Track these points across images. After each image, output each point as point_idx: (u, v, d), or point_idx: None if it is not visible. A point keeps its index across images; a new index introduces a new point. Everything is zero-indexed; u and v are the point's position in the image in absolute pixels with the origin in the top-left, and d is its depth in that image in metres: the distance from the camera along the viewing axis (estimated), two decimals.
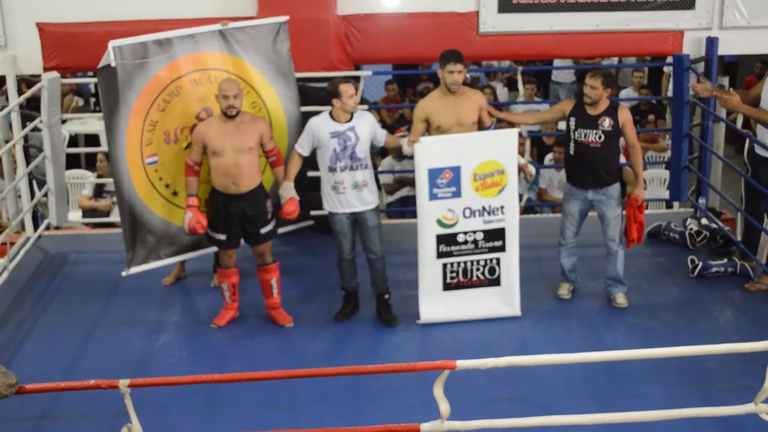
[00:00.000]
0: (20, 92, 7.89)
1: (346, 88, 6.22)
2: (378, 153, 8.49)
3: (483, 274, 6.46)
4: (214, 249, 6.73)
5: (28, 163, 8.10)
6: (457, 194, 6.26)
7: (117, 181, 6.42)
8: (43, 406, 5.54)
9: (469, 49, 8.05)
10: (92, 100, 13.03)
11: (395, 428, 4.31)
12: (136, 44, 6.31)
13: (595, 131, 6.54)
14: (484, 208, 6.33)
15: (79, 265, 7.56)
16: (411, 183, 9.46)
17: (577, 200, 6.73)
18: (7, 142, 7.93)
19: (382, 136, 6.42)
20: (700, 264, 7.20)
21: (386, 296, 6.57)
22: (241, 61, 6.67)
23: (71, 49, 7.79)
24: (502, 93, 12.73)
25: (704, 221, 7.89)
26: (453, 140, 6.28)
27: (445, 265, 6.42)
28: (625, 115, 6.57)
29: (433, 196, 6.25)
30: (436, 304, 6.47)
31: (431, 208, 6.29)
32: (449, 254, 6.40)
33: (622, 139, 6.78)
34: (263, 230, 6.40)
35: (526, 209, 9.18)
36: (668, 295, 7.00)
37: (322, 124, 6.31)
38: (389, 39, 8.04)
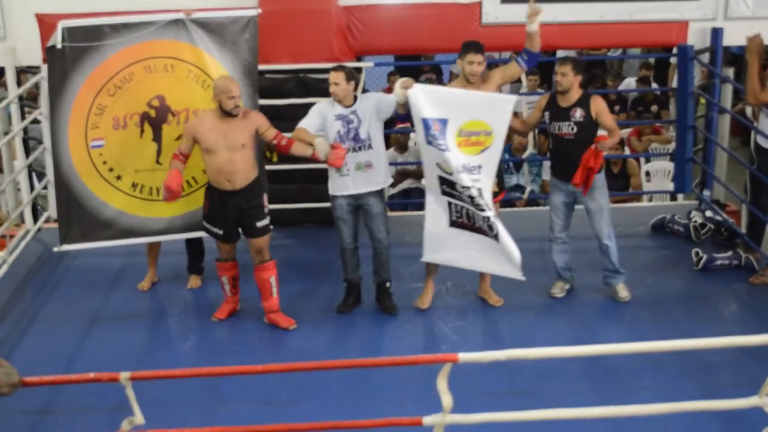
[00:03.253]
0: (19, 83, 7.84)
1: (329, 76, 6.24)
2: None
3: (484, 226, 6.24)
4: (154, 239, 6.73)
5: (27, 155, 8.07)
6: (446, 149, 6.07)
7: (55, 159, 6.40)
8: (44, 400, 5.51)
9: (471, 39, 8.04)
10: None
11: (398, 421, 4.28)
12: (91, 27, 6.26)
13: (567, 123, 6.49)
14: (464, 166, 6.09)
15: (79, 258, 7.52)
16: (413, 175, 9.44)
17: (560, 192, 6.68)
18: (6, 134, 7.89)
19: (389, 105, 6.28)
20: (705, 257, 7.16)
21: (387, 284, 6.54)
22: (201, 52, 6.54)
23: None
24: (505, 84, 12.66)
25: (709, 213, 7.85)
26: (445, 93, 6.17)
27: (450, 203, 6.29)
28: (597, 105, 6.49)
29: (429, 142, 6.11)
30: (440, 243, 6.37)
31: (430, 152, 6.15)
32: (452, 195, 6.24)
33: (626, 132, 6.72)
34: (259, 224, 6.33)
35: (529, 202, 9.14)
36: (672, 287, 6.96)
37: (328, 108, 6.30)
38: (391, 30, 7.99)
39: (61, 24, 6.19)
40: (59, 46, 6.15)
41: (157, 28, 6.40)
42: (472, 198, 6.09)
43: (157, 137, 6.54)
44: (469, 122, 6.05)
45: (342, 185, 6.32)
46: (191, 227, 6.73)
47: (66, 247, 6.47)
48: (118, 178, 6.52)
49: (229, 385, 5.60)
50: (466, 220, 6.28)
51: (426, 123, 6.06)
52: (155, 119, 6.52)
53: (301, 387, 5.59)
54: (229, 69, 6.60)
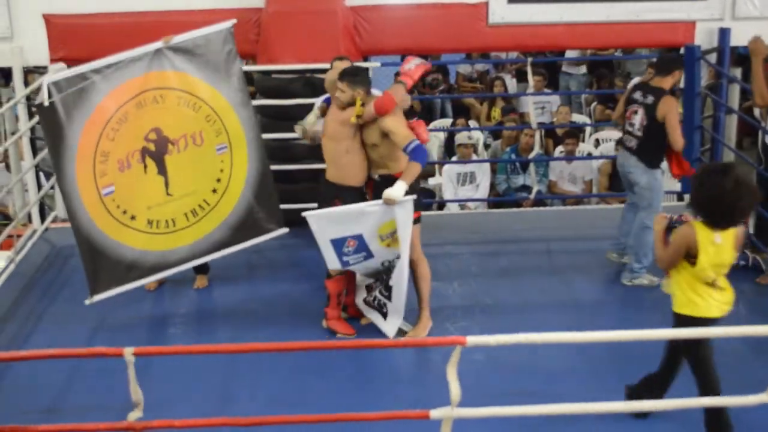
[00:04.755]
0: (27, 83, 7.85)
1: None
2: None
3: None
4: (177, 270, 6.68)
5: (34, 155, 8.08)
6: (369, 256, 6.06)
7: (71, 213, 6.32)
8: (51, 399, 5.53)
9: (478, 40, 8.06)
10: None
11: (405, 414, 4.28)
12: (73, 76, 6.22)
13: None
14: (387, 260, 6.10)
15: None
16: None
17: None
18: (13, 134, 7.91)
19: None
20: None
21: None
22: (186, 75, 6.51)
23: (78, 40, 7.75)
24: (511, 84, 12.68)
25: None
26: (345, 210, 6.01)
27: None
28: None
29: (345, 263, 6.07)
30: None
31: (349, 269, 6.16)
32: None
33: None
34: None
35: (536, 202, 9.13)
36: None
37: None
38: (398, 30, 8.00)
39: (46, 81, 6.17)
40: (47, 103, 6.14)
41: (138, 62, 6.35)
42: (387, 272, 6.14)
43: (162, 170, 6.52)
44: (382, 226, 5.96)
45: None
46: (214, 248, 6.74)
47: (97, 298, 6.42)
48: (133, 218, 6.47)
49: (236, 386, 5.61)
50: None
51: (336, 244, 5.99)
52: (155, 152, 6.49)
53: (307, 387, 5.60)
54: (216, 85, 6.59)
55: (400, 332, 6.20)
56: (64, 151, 6.20)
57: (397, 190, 5.80)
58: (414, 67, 6.24)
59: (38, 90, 7.87)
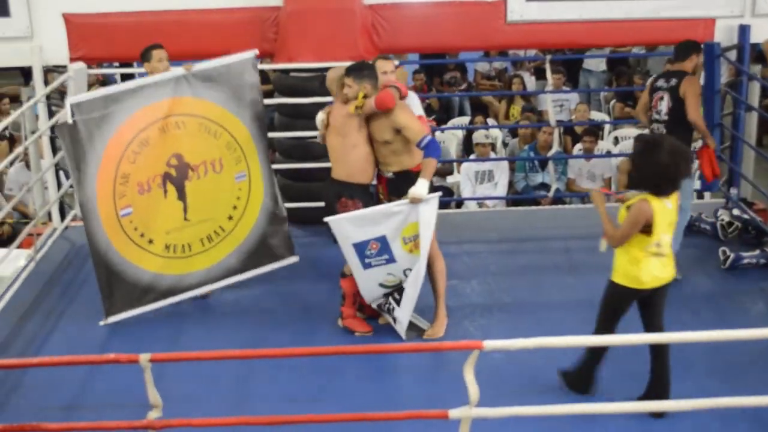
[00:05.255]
0: (46, 82, 7.88)
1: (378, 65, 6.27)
2: None
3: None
4: (191, 295, 6.72)
5: (54, 153, 8.11)
6: (392, 260, 6.04)
7: (90, 232, 6.37)
8: (71, 396, 5.56)
9: (496, 38, 8.03)
10: None
11: (424, 414, 4.28)
12: (95, 99, 6.27)
13: None
14: (408, 268, 6.07)
15: None
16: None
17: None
18: (33, 132, 7.94)
19: None
20: (732, 255, 7.11)
21: None
22: (206, 102, 6.59)
23: (97, 39, 7.79)
24: (530, 82, 12.65)
25: (736, 212, 7.79)
26: (371, 212, 6.00)
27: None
28: None
29: (367, 266, 6.05)
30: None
31: (371, 275, 6.10)
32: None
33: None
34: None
35: (555, 200, 9.11)
36: (699, 286, 6.90)
37: None
38: (416, 28, 7.98)
39: (69, 102, 6.22)
40: (70, 121, 6.17)
41: (161, 87, 6.42)
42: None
43: (182, 195, 6.60)
44: (406, 228, 5.96)
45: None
46: (228, 273, 6.85)
47: (111, 320, 6.47)
48: (150, 242, 6.53)
49: (254, 384, 5.63)
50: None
51: (359, 247, 5.98)
52: (176, 178, 6.57)
53: (326, 385, 5.61)
54: (237, 113, 6.68)
55: (416, 329, 6.19)
56: (85, 170, 6.26)
57: (422, 187, 5.83)
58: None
59: (58, 89, 7.94)
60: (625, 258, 5.09)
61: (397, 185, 6.01)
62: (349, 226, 5.94)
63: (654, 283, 5.10)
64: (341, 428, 4.80)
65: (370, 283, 6.12)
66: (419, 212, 5.87)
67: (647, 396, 5.20)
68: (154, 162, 6.44)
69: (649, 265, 5.06)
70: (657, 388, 5.19)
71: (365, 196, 6.10)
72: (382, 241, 5.97)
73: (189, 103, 6.52)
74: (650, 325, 5.25)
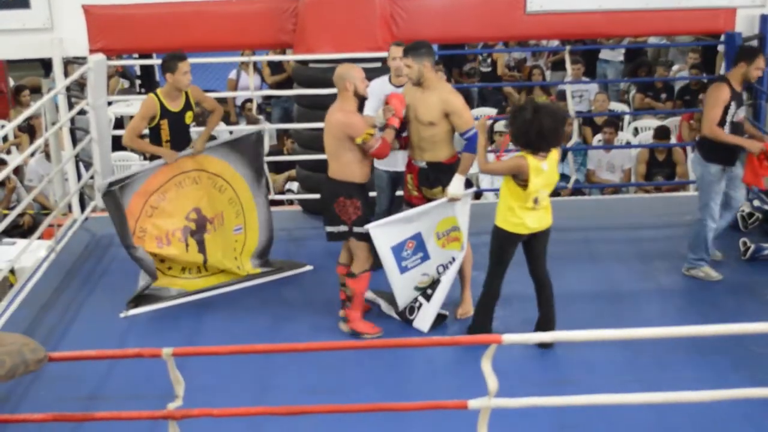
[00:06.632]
0: (66, 74, 7.91)
1: (390, 51, 6.38)
2: None
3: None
4: (213, 292, 6.84)
5: (74, 145, 8.15)
6: (426, 257, 6.10)
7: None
8: (92, 387, 5.59)
9: (516, 28, 7.99)
10: (137, 82, 13.08)
11: (443, 404, 4.27)
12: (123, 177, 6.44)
13: (743, 107, 6.73)
14: (442, 265, 6.17)
15: None
16: None
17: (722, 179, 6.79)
18: (53, 124, 7.97)
19: None
20: (753, 246, 7.08)
21: None
22: (216, 159, 6.77)
23: (117, 31, 7.80)
24: (546, 74, 12.61)
25: (756, 203, 7.76)
26: (404, 214, 6.07)
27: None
28: None
29: (404, 269, 6.08)
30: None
31: (406, 280, 6.13)
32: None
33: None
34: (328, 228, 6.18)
35: (574, 191, 9.08)
36: None
37: (380, 86, 6.35)
38: (435, 19, 7.95)
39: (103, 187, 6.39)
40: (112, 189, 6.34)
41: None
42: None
43: (202, 249, 6.77)
44: (441, 222, 6.02)
45: (386, 162, 6.40)
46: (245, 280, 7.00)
47: (132, 312, 6.54)
48: (170, 268, 6.78)
49: (274, 375, 5.64)
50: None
51: (395, 251, 6.01)
52: (197, 231, 6.73)
53: (345, 376, 5.61)
54: (240, 172, 6.88)
55: (439, 318, 6.20)
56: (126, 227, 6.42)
57: (459, 186, 5.92)
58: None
59: (78, 80, 7.96)
60: (505, 206, 5.69)
61: (428, 176, 6.01)
62: (388, 230, 5.98)
63: (528, 231, 5.70)
64: (360, 419, 4.80)
65: (406, 288, 6.15)
66: (455, 208, 5.96)
67: (538, 329, 5.84)
68: (172, 216, 6.61)
69: (524, 216, 5.65)
70: (545, 324, 5.84)
71: (362, 195, 6.05)
72: (418, 238, 6.03)
73: (199, 159, 6.69)
74: (534, 268, 5.90)
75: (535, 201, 5.63)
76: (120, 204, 6.34)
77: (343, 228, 6.01)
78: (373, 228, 5.94)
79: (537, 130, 5.46)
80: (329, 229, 6.09)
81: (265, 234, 7.04)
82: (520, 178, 5.57)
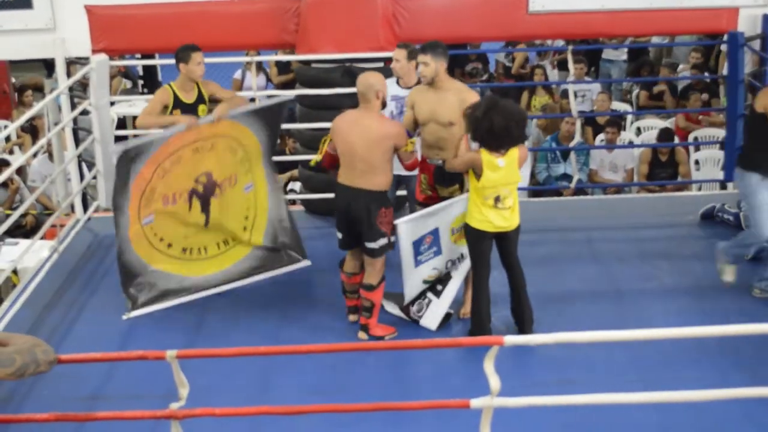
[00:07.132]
0: (69, 74, 7.91)
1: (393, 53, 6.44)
2: None
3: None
4: (209, 293, 6.81)
5: (77, 145, 8.15)
6: (438, 252, 6.13)
7: (118, 239, 6.46)
8: (94, 386, 5.59)
9: (518, 28, 8.00)
10: (140, 82, 13.10)
11: (445, 403, 4.27)
12: (142, 144, 6.35)
13: None
14: (451, 261, 6.22)
15: None
16: None
17: None
18: (56, 124, 7.98)
19: None
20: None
21: None
22: (241, 126, 6.71)
23: (119, 31, 7.80)
24: (552, 73, 12.59)
25: None
26: (428, 211, 6.05)
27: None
28: None
29: (418, 263, 6.09)
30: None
31: (418, 273, 6.14)
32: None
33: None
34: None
35: (577, 191, 9.08)
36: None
37: (389, 87, 6.30)
38: (437, 18, 7.95)
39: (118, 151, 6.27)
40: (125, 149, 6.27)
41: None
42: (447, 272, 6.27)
43: (206, 210, 6.74)
44: (457, 218, 6.06)
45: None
46: (244, 275, 6.98)
47: (134, 314, 6.54)
48: (169, 246, 6.70)
49: (276, 376, 5.64)
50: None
51: (416, 245, 6.02)
52: (203, 194, 6.70)
53: (347, 377, 5.61)
54: (253, 130, 6.77)
55: (446, 315, 6.21)
56: (125, 192, 6.34)
57: None
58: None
59: (80, 80, 7.98)
60: (471, 203, 5.79)
61: (444, 174, 6.04)
62: (413, 225, 5.99)
63: (495, 229, 5.79)
64: (362, 418, 4.81)
65: (416, 281, 6.16)
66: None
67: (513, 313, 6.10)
68: (182, 178, 6.57)
69: (488, 214, 5.74)
70: (518, 307, 6.06)
71: (389, 201, 6.10)
72: (435, 233, 6.05)
73: (219, 125, 6.59)
74: (505, 262, 5.99)
75: (497, 200, 5.71)
76: (128, 172, 6.26)
77: (384, 241, 5.99)
78: (402, 223, 5.95)
79: (487, 128, 5.57)
80: (371, 245, 5.97)
81: (274, 197, 7.01)
82: (476, 173, 5.68)
